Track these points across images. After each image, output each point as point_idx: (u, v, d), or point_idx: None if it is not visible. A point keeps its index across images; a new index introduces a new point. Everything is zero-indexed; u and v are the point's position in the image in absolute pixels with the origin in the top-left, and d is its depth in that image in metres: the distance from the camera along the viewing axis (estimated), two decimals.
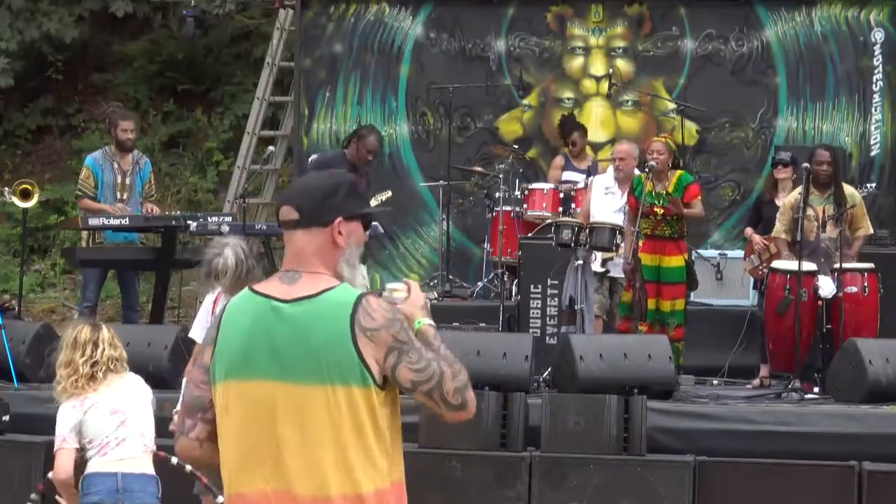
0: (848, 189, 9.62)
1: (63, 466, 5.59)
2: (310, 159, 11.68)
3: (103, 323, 5.99)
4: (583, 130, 11.80)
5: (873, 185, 12.01)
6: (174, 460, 5.59)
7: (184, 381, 3.62)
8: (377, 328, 3.30)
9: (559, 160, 11.73)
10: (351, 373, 3.28)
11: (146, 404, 5.79)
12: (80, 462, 5.64)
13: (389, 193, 10.85)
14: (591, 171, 11.34)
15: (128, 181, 10.50)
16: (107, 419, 5.61)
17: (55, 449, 5.65)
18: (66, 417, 5.62)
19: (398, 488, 3.37)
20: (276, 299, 3.34)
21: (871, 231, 9.78)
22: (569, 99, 12.75)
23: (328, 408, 3.27)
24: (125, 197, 10.47)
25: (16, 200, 10.41)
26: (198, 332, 6.78)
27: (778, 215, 9.50)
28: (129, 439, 5.63)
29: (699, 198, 9.78)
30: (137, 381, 5.86)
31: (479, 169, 11.95)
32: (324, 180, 3.47)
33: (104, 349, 5.67)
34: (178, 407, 3.60)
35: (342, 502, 3.26)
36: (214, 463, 3.42)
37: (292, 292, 3.34)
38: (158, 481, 5.71)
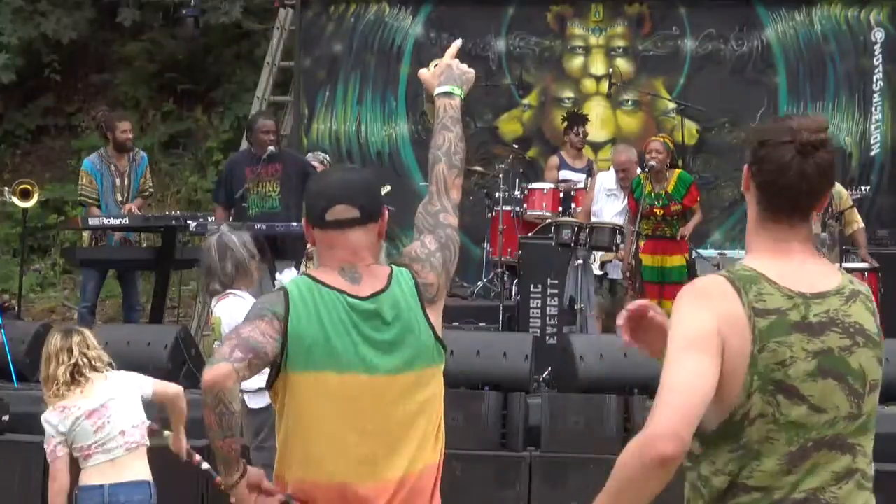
0: (835, 187, 9.60)
1: (56, 476, 5.48)
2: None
3: (77, 328, 5.79)
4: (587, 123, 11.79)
5: (867, 187, 11.99)
6: (166, 433, 5.62)
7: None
8: (431, 283, 3.43)
9: (554, 160, 11.68)
10: (430, 352, 3.38)
11: (129, 399, 5.57)
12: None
13: (389, 188, 10.81)
14: (589, 171, 11.31)
15: (126, 182, 10.48)
16: (86, 425, 5.48)
17: (49, 460, 5.54)
18: (50, 427, 5.52)
19: None
20: (351, 295, 3.34)
21: (863, 224, 9.80)
22: (569, 98, 12.75)
23: (415, 393, 3.34)
24: (126, 198, 10.44)
25: (16, 200, 10.39)
26: None
27: None
28: (110, 443, 5.49)
29: (698, 202, 9.81)
30: (121, 377, 5.65)
31: (479, 169, 11.92)
32: (369, 175, 3.63)
33: (78, 353, 5.53)
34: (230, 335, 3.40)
35: (420, 475, 3.33)
36: (231, 408, 3.21)
37: (363, 289, 3.36)
38: (150, 484, 5.55)
